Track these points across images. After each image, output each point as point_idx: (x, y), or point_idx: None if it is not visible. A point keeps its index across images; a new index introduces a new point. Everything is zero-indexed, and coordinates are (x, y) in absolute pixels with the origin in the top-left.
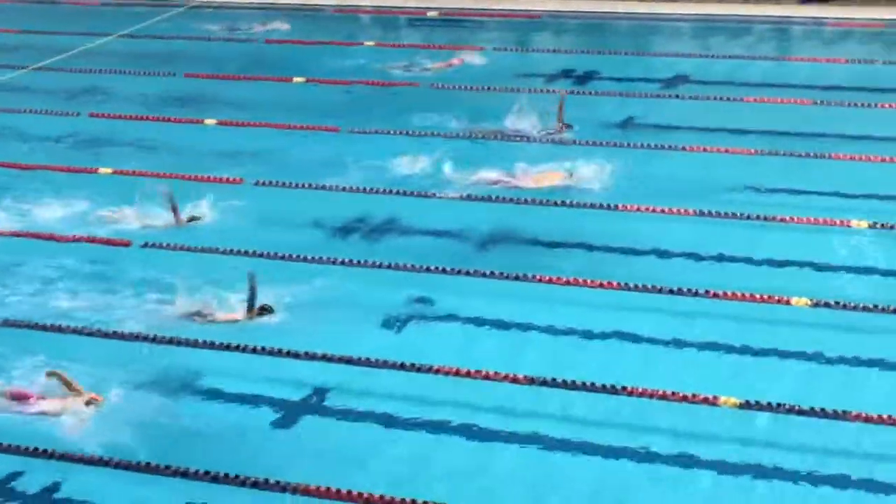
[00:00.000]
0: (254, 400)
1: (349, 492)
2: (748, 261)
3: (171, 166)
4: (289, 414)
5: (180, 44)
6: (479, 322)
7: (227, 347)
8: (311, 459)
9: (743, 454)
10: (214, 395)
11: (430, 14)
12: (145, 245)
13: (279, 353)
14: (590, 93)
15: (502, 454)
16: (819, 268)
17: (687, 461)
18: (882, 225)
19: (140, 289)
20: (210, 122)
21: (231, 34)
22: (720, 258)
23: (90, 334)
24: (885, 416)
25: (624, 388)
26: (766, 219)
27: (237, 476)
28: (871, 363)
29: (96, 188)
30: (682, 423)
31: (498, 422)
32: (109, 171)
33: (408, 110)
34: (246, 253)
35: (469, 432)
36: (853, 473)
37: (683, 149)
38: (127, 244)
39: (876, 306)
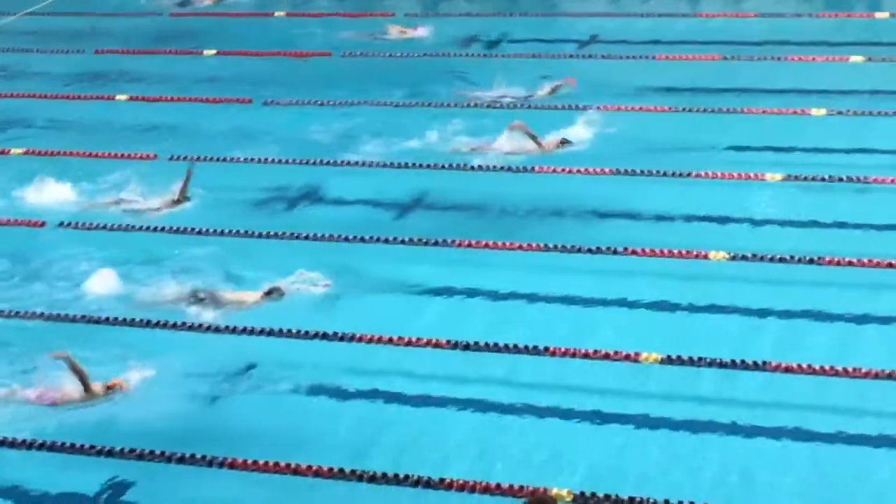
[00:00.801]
0: None
1: (298, 466)
2: (664, 217)
3: (83, 144)
4: (227, 390)
5: (88, 20)
6: (407, 289)
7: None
8: (258, 436)
9: (666, 408)
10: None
11: None
12: (61, 225)
13: (205, 328)
14: (504, 55)
15: (446, 420)
16: (736, 221)
17: (614, 417)
18: (796, 177)
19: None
20: (122, 97)
21: (137, 9)
22: (637, 216)
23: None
24: (819, 368)
25: (546, 349)
26: (681, 175)
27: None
28: (791, 314)
29: (7, 169)
30: (605, 380)
31: (443, 388)
32: (21, 151)
33: (324, 81)
34: (162, 229)
35: (414, 400)
36: (773, 423)
37: (598, 108)
38: (41, 224)
39: (793, 257)
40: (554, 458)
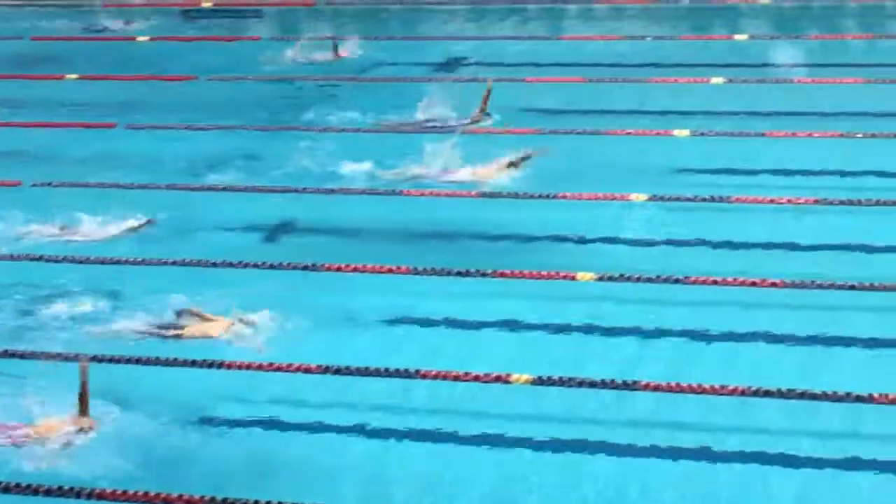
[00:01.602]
0: None
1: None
2: (532, 239)
3: None
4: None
5: None
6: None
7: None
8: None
9: (536, 430)
10: None
11: (205, 4)
12: None
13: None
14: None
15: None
16: (603, 242)
17: (489, 439)
18: (661, 197)
19: None
20: None
21: None
22: (505, 237)
23: None
24: (673, 385)
25: (417, 372)
26: (548, 196)
27: None
28: (654, 334)
29: None
30: (477, 401)
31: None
32: None
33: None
34: (18, 257)
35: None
36: (643, 442)
37: (463, 132)
38: None
39: (658, 276)
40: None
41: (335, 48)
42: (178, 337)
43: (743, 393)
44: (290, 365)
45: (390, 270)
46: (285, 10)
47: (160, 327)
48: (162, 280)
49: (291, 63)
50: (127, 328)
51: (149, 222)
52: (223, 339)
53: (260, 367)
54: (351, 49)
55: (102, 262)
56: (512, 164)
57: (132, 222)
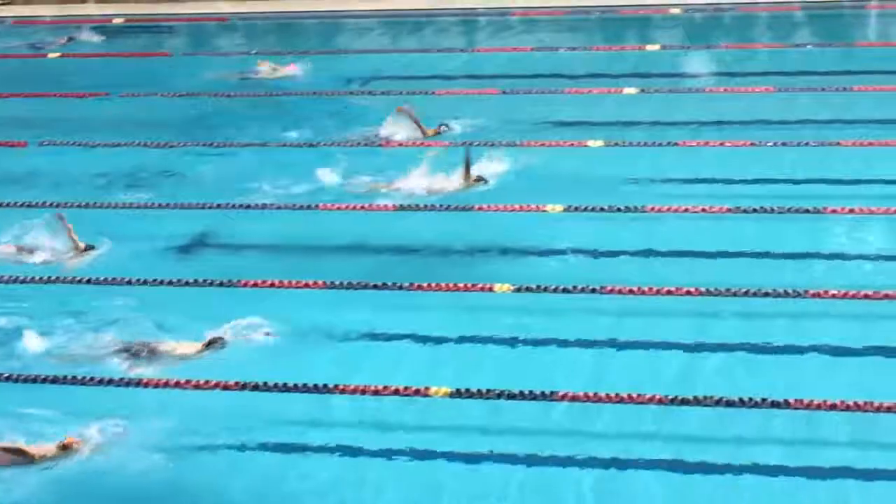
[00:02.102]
0: None
1: None
2: (449, 251)
3: None
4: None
5: None
6: None
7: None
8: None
9: (456, 443)
10: None
11: (116, 21)
12: None
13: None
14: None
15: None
16: (520, 253)
17: (408, 452)
18: (576, 207)
19: None
20: None
21: None
22: (420, 250)
23: None
24: (590, 394)
25: (336, 387)
26: (464, 208)
27: None
28: (573, 344)
29: None
30: (397, 414)
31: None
32: None
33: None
34: None
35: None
36: (562, 452)
37: (381, 144)
38: None
39: (575, 287)
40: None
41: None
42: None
43: (661, 401)
44: (206, 382)
45: (307, 285)
46: (196, 25)
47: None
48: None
49: (211, 79)
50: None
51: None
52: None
53: (177, 384)
54: (268, 64)
55: (14, 282)
56: (480, 179)
57: (48, 241)
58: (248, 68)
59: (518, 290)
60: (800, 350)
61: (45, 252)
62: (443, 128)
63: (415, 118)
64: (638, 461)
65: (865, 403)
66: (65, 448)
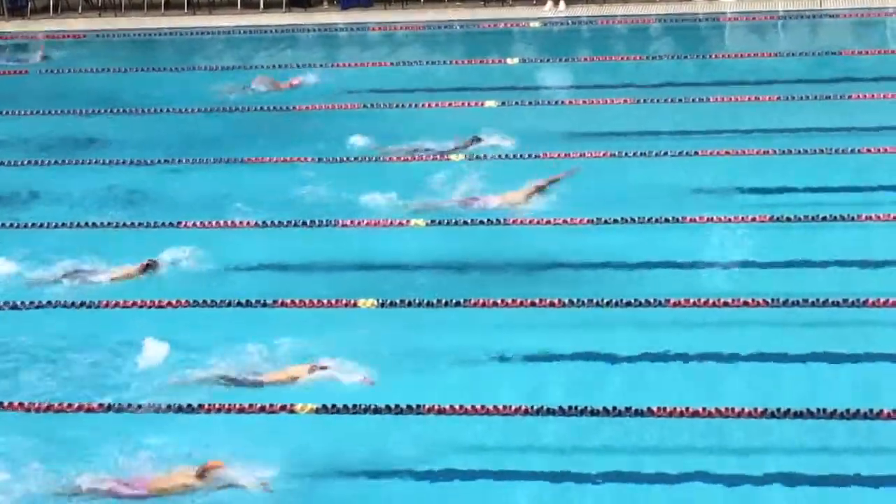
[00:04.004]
0: None
1: None
2: (311, 267)
3: None
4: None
5: None
6: None
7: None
8: None
9: (319, 460)
10: None
11: None
12: None
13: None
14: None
15: None
16: (383, 268)
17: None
18: (438, 221)
19: None
20: None
21: None
22: (284, 267)
23: None
24: (457, 407)
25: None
26: (326, 224)
27: None
28: (437, 354)
29: None
30: (260, 430)
31: None
32: None
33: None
34: None
35: None
36: (424, 466)
37: (243, 161)
38: None
39: (440, 300)
40: None
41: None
42: None
43: (526, 412)
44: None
45: (169, 304)
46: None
47: None
48: None
49: None
50: None
51: None
52: None
53: None
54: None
55: None
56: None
57: None
58: None
59: (382, 304)
60: (649, 359)
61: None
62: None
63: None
64: (508, 471)
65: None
66: (206, 472)
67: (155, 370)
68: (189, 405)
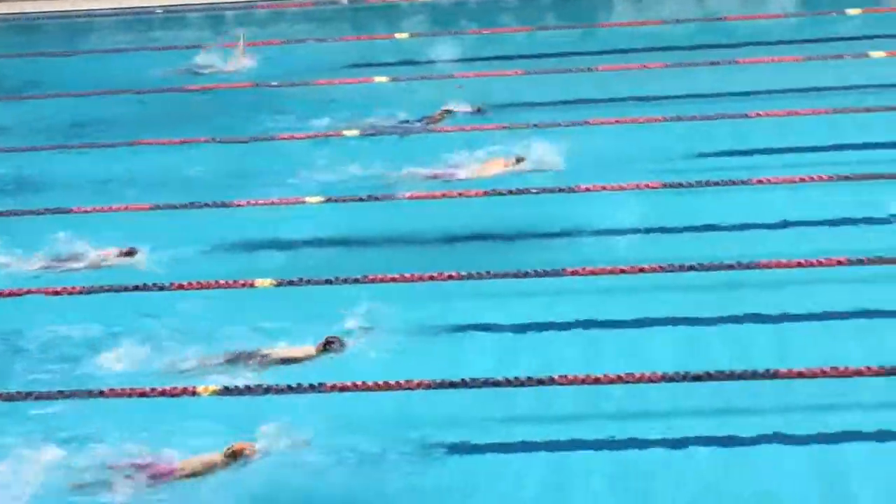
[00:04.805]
0: None
1: None
2: (210, 249)
3: None
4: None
5: None
6: None
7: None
8: None
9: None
10: None
11: None
12: None
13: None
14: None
15: None
16: (277, 247)
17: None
18: (333, 198)
19: None
20: None
21: None
22: (180, 245)
23: None
24: (359, 384)
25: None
26: (223, 204)
27: None
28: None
29: None
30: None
31: None
32: None
33: None
34: None
35: None
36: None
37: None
38: None
39: (337, 278)
40: None
41: None
42: None
43: (429, 386)
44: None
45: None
46: None
47: None
48: None
49: None
50: None
51: None
52: None
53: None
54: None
55: None
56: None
57: None
58: None
59: (279, 284)
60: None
61: None
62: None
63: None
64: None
65: None
66: (236, 454)
67: None
68: None
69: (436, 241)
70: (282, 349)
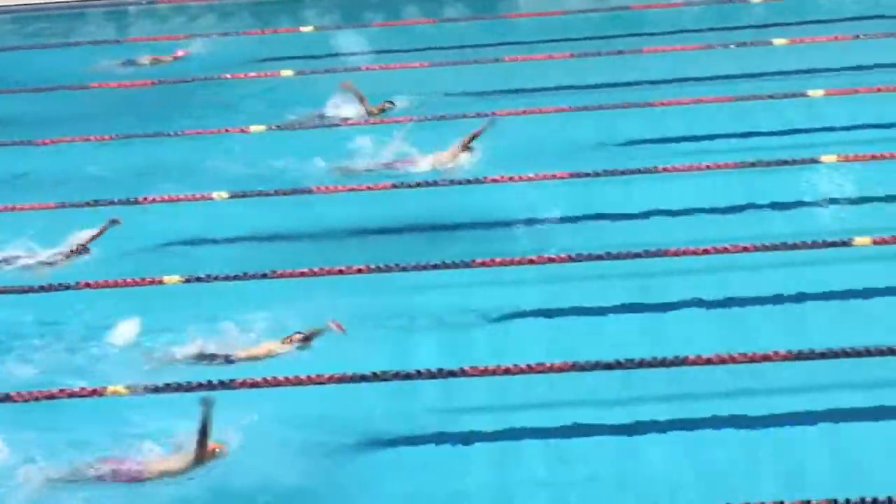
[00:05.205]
0: None
1: None
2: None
3: None
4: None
5: None
6: None
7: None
8: None
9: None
10: None
11: None
12: None
13: None
14: None
15: None
16: (186, 244)
17: None
18: (242, 194)
19: None
20: None
21: None
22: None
23: None
24: (281, 378)
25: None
26: (129, 202)
27: None
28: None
29: None
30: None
31: None
32: None
33: None
34: None
35: None
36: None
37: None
38: None
39: (245, 273)
40: None
41: None
42: None
43: (341, 378)
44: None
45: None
46: None
47: None
48: None
49: None
50: None
51: None
52: None
53: None
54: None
55: None
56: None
57: None
58: None
59: (187, 280)
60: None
61: None
62: (387, 104)
63: (359, 94)
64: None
65: None
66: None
67: None
68: None
69: (344, 234)
70: (196, 346)
